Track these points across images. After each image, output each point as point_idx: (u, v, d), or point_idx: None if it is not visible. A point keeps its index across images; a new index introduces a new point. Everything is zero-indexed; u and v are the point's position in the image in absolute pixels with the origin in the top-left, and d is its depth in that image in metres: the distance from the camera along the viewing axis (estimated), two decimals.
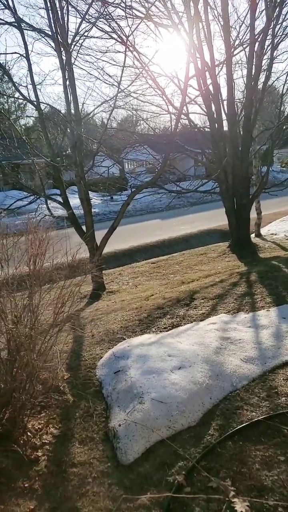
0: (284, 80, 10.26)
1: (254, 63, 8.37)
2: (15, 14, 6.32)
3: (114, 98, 6.14)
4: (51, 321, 2.73)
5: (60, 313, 2.68)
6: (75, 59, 6.72)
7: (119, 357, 3.65)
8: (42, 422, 2.96)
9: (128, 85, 6.48)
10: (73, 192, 8.28)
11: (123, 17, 7.06)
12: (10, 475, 2.51)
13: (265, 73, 8.89)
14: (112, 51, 10.73)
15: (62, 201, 7.14)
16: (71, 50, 6.25)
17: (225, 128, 9.23)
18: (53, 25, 6.33)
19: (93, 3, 6.51)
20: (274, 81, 12.23)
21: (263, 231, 11.63)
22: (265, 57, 8.70)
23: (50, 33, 6.50)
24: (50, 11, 6.28)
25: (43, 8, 7.85)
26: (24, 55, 6.52)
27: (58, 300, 2.68)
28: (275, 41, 8.49)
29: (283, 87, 9.56)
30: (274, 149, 10.42)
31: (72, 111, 6.77)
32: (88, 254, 6.74)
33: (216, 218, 13.87)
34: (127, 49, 5.97)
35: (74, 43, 6.43)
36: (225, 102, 8.85)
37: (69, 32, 6.37)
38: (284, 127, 9.68)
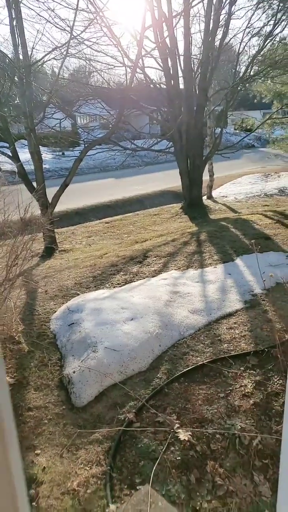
0: (240, 38, 10.17)
1: (212, 17, 8.19)
2: None
3: (67, 44, 5.77)
4: (3, 274, 2.72)
5: (14, 265, 2.68)
6: None
7: (73, 311, 3.75)
8: None
9: (81, 31, 6.07)
10: (23, 146, 7.87)
11: None
12: None
13: (222, 28, 8.75)
14: None
15: (10, 155, 6.79)
16: None
17: (181, 86, 9.09)
18: None
19: None
20: (231, 39, 12.08)
21: (215, 193, 11.95)
22: (223, 11, 8.52)
23: None
24: None
25: None
26: None
27: (11, 252, 2.67)
28: None
29: (240, 45, 9.51)
30: (228, 111, 10.49)
31: (21, 56, 6.29)
32: (39, 211, 6.58)
33: (169, 179, 13.95)
34: None
35: None
36: (181, 58, 8.66)
37: None
38: (239, 88, 9.73)
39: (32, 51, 6.71)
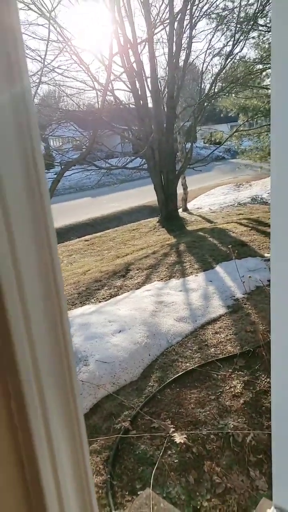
0: (203, 59, 10.69)
1: (174, 41, 8.60)
2: None
3: (40, 73, 5.95)
4: None
5: None
6: None
7: None
8: None
9: (52, 60, 6.28)
10: None
11: None
12: None
13: (185, 51, 9.17)
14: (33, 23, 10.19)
15: None
16: None
17: (150, 105, 9.42)
18: None
19: None
20: (194, 59, 12.66)
21: (190, 205, 12.24)
22: (185, 35, 8.96)
23: None
24: None
25: None
26: None
27: None
28: (193, 21, 8.77)
29: (203, 65, 9.98)
30: (197, 126, 10.89)
31: None
32: None
33: (145, 195, 14.22)
34: (50, 23, 5.79)
35: None
36: (148, 80, 9.01)
37: None
38: (205, 104, 10.14)
39: None
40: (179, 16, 8.46)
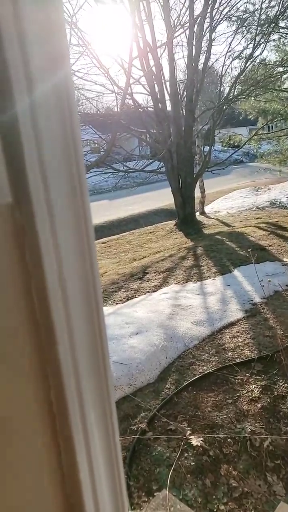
0: (222, 62, 10.67)
1: (194, 45, 8.62)
2: None
3: None
4: None
5: None
6: None
7: None
8: None
9: (72, 63, 6.39)
10: None
11: None
12: None
13: (205, 54, 9.18)
14: None
15: None
16: None
17: (169, 108, 9.46)
18: None
19: None
20: (213, 63, 12.63)
21: (207, 209, 12.19)
22: (205, 38, 8.98)
23: None
24: None
25: None
26: None
27: None
28: (213, 24, 8.78)
29: (222, 68, 9.97)
30: (216, 129, 10.87)
31: None
32: None
33: (162, 198, 14.24)
34: (71, 28, 5.90)
35: None
36: (167, 83, 9.05)
37: None
38: (224, 107, 10.12)
39: None
40: (199, 19, 8.48)
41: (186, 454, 2.39)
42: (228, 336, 3.65)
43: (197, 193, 10.70)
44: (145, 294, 4.77)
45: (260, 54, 9.51)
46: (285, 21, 9.25)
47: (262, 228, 7.97)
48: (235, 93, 9.81)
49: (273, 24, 8.93)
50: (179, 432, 2.55)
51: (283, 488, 2.23)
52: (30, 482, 0.43)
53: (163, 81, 9.01)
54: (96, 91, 8.37)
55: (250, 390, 2.90)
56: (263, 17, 9.10)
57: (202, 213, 11.65)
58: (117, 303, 4.60)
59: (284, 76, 10.52)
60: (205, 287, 4.73)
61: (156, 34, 8.40)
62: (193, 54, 8.67)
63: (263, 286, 4.09)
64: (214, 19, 8.78)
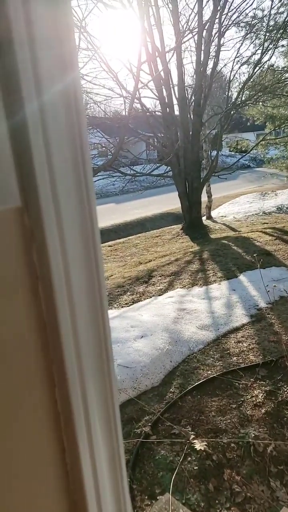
0: (231, 67, 10.72)
1: (202, 50, 8.66)
2: None
3: None
4: None
5: None
6: None
7: None
8: None
9: (81, 67, 6.47)
10: None
11: None
12: None
13: (213, 59, 9.22)
14: None
15: None
16: None
17: (177, 112, 9.50)
18: None
19: None
20: (222, 68, 12.69)
21: (214, 213, 12.19)
22: (213, 44, 9.01)
23: None
24: None
25: None
26: None
27: None
28: (222, 29, 8.82)
29: (230, 73, 9.99)
30: (223, 134, 10.88)
31: None
32: None
33: (169, 202, 14.26)
34: (80, 32, 5.96)
35: None
36: (175, 87, 9.09)
37: None
38: (232, 112, 10.13)
39: None
40: (207, 25, 8.52)
41: (189, 458, 2.38)
42: (233, 341, 3.64)
43: (204, 198, 10.70)
44: (151, 297, 4.77)
45: (269, 59, 9.50)
46: None
47: (268, 233, 7.95)
48: (243, 99, 9.82)
49: (282, 30, 8.94)
50: (182, 436, 2.55)
51: (286, 494, 2.21)
52: (35, 477, 0.44)
53: (171, 85, 9.05)
54: (104, 95, 8.43)
55: (254, 395, 2.89)
56: (271, 23, 9.13)
57: (209, 217, 11.65)
58: (122, 307, 4.61)
59: None
60: (210, 291, 4.72)
61: (165, 39, 8.46)
62: (202, 59, 8.71)
63: (269, 291, 4.08)
64: (223, 24, 8.82)
